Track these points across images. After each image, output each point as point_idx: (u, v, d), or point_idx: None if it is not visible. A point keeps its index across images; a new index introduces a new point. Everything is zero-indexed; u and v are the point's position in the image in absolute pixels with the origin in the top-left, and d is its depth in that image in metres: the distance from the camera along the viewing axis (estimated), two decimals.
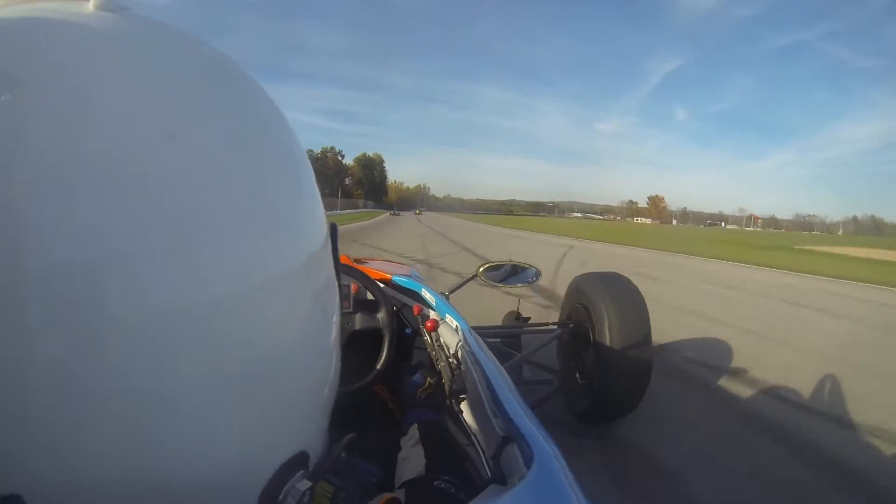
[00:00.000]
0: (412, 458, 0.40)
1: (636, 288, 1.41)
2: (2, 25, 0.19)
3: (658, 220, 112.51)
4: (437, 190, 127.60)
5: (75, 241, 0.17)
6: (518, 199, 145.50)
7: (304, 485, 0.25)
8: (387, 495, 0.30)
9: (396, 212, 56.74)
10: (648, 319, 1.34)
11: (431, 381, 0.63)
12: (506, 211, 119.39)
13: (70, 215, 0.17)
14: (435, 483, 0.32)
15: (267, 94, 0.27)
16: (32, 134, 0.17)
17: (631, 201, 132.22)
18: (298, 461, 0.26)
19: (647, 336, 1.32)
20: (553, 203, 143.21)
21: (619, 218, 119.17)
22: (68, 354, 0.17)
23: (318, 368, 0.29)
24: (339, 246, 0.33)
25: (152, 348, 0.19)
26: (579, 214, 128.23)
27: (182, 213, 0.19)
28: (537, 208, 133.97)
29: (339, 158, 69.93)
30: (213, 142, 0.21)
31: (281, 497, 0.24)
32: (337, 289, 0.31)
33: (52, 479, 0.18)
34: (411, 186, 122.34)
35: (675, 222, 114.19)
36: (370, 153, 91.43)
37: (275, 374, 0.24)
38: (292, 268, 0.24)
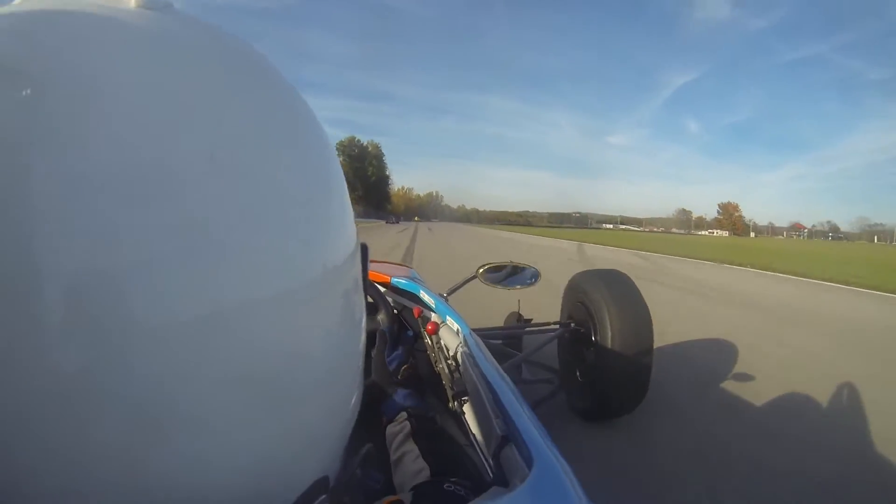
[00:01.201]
0: (407, 460, 0.43)
1: (636, 286, 1.55)
2: (29, 22, 0.19)
3: (733, 233, 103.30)
4: (451, 200, 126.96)
5: (96, 248, 0.18)
6: (533, 210, 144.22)
7: None
8: (390, 497, 0.32)
9: (395, 219, 51.62)
10: (650, 317, 1.47)
11: (413, 361, 0.69)
12: (523, 222, 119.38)
13: (94, 220, 0.18)
14: (445, 486, 0.34)
15: (300, 96, 0.29)
16: (57, 137, 0.18)
17: (683, 209, 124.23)
18: (320, 486, 0.27)
19: (649, 334, 1.45)
20: (579, 213, 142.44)
21: (673, 230, 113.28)
22: (87, 362, 0.18)
23: (347, 380, 0.30)
24: None
25: (174, 356, 0.19)
26: (610, 226, 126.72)
27: (211, 216, 0.20)
28: (561, 219, 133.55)
29: None
30: (246, 145, 0.23)
31: None
32: (364, 298, 0.33)
33: (66, 488, 0.19)
34: (422, 194, 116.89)
35: (753, 234, 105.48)
36: (363, 140, 74.96)
37: (303, 386, 0.25)
38: (321, 274, 0.26)
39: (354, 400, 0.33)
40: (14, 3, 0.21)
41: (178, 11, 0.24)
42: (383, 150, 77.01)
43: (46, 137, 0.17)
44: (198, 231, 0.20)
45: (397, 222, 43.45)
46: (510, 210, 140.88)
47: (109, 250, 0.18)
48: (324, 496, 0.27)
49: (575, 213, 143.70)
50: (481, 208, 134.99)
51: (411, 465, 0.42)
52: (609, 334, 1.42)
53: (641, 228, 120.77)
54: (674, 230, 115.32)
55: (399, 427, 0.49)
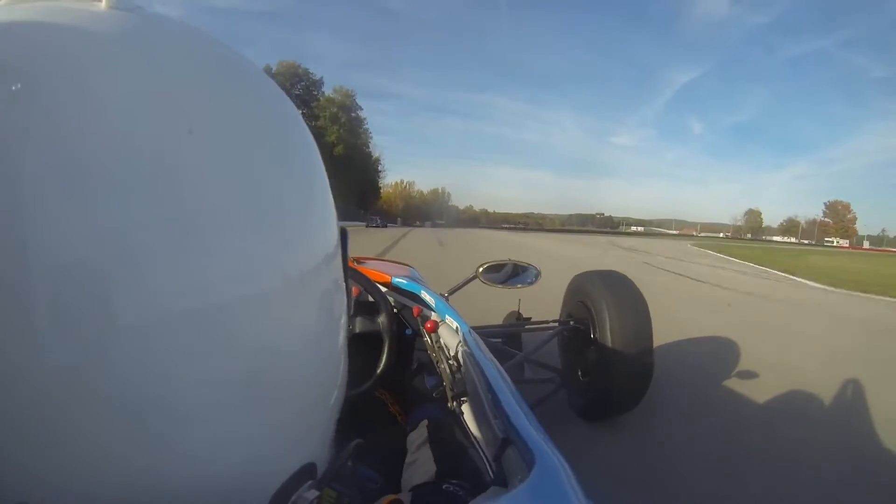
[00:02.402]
0: (420, 462, 0.47)
1: (636, 286, 1.71)
2: (13, 22, 0.22)
3: (847, 241, 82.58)
4: (458, 199, 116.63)
5: (82, 243, 0.20)
6: (548, 212, 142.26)
7: (312, 494, 0.29)
8: (389, 497, 0.35)
9: (379, 222, 32.18)
10: (649, 317, 1.63)
11: (452, 381, 0.80)
12: (535, 225, 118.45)
13: (78, 216, 0.20)
14: (444, 486, 0.38)
15: (282, 92, 0.32)
16: (41, 133, 0.20)
17: (751, 210, 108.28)
18: (306, 471, 0.30)
19: (649, 333, 1.61)
20: (602, 214, 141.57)
21: (748, 236, 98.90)
22: (74, 358, 0.20)
23: (327, 375, 0.34)
24: None
25: (159, 352, 0.22)
26: (640, 228, 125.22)
27: (191, 214, 0.23)
28: (584, 221, 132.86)
29: None
30: (225, 141, 0.25)
31: None
32: (345, 293, 0.37)
33: (55, 484, 0.21)
34: (426, 191, 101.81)
35: (868, 244, 78.69)
36: (317, 76, 46.69)
37: (283, 380, 0.28)
38: (303, 272, 0.29)
39: (337, 391, 0.36)
40: None
41: (148, 12, 0.27)
42: (393, 160, 59.72)
43: (26, 135, 0.20)
44: (180, 228, 0.22)
45: (384, 226, 30.13)
46: (522, 212, 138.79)
47: (92, 247, 0.20)
48: (310, 482, 0.30)
49: (598, 213, 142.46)
50: (491, 209, 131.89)
51: (422, 467, 0.46)
52: (609, 333, 1.57)
53: (677, 232, 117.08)
54: (748, 236, 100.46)
55: (418, 434, 0.54)
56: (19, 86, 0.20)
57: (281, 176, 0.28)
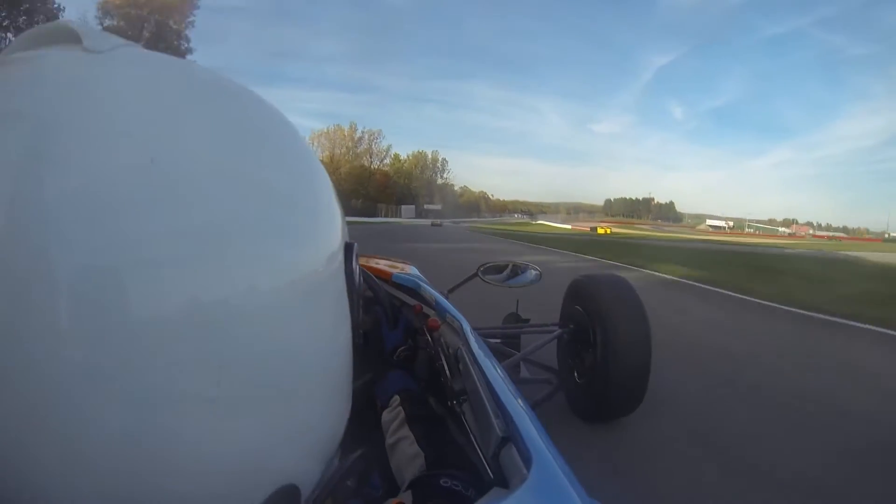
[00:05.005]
0: (403, 445, 0.52)
1: (635, 290, 1.93)
2: (14, 71, 0.31)
3: None
4: (454, 177, 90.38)
5: (99, 249, 0.26)
6: (553, 200, 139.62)
7: None
8: (392, 501, 0.39)
9: None
10: (647, 321, 1.85)
11: (412, 343, 0.88)
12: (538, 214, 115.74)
13: (95, 225, 0.26)
14: (441, 481, 0.42)
15: (271, 106, 0.39)
16: (53, 158, 0.26)
17: None
18: (286, 497, 0.34)
19: (647, 337, 1.82)
20: (654, 200, 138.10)
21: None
22: (87, 356, 0.25)
23: (331, 384, 0.39)
24: None
25: (160, 352, 0.27)
26: (728, 224, 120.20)
27: (199, 223, 0.29)
28: (631, 208, 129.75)
29: None
30: (221, 155, 0.32)
31: None
32: (351, 302, 0.42)
33: (62, 483, 0.27)
34: (405, 155, 74.69)
35: None
36: None
37: (287, 386, 0.33)
38: (307, 278, 0.34)
39: (342, 399, 0.41)
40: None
41: (132, 47, 0.35)
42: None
43: (49, 161, 0.26)
44: (192, 235, 0.28)
45: None
46: (528, 200, 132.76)
47: (110, 253, 0.26)
48: None
49: (651, 198, 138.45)
50: (491, 195, 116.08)
51: (407, 449, 0.51)
52: (608, 337, 1.78)
53: (788, 231, 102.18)
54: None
55: (394, 413, 0.60)
56: (33, 125, 0.27)
57: (281, 185, 0.35)
